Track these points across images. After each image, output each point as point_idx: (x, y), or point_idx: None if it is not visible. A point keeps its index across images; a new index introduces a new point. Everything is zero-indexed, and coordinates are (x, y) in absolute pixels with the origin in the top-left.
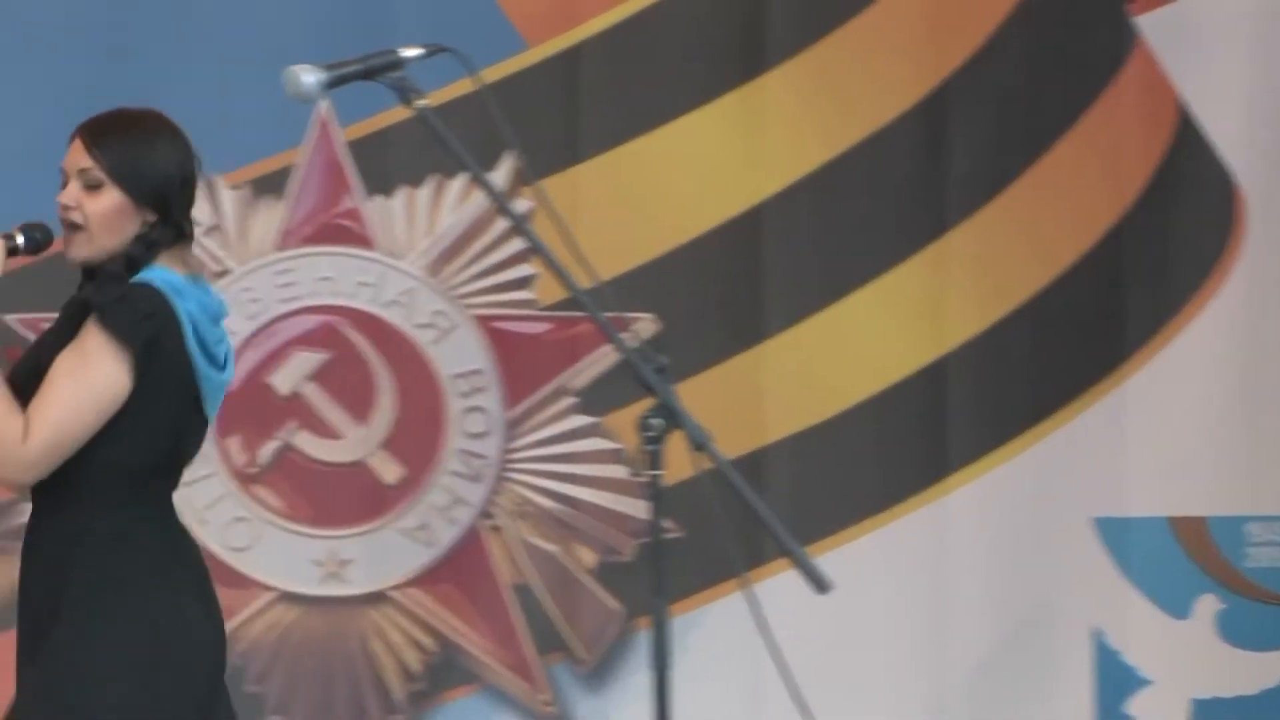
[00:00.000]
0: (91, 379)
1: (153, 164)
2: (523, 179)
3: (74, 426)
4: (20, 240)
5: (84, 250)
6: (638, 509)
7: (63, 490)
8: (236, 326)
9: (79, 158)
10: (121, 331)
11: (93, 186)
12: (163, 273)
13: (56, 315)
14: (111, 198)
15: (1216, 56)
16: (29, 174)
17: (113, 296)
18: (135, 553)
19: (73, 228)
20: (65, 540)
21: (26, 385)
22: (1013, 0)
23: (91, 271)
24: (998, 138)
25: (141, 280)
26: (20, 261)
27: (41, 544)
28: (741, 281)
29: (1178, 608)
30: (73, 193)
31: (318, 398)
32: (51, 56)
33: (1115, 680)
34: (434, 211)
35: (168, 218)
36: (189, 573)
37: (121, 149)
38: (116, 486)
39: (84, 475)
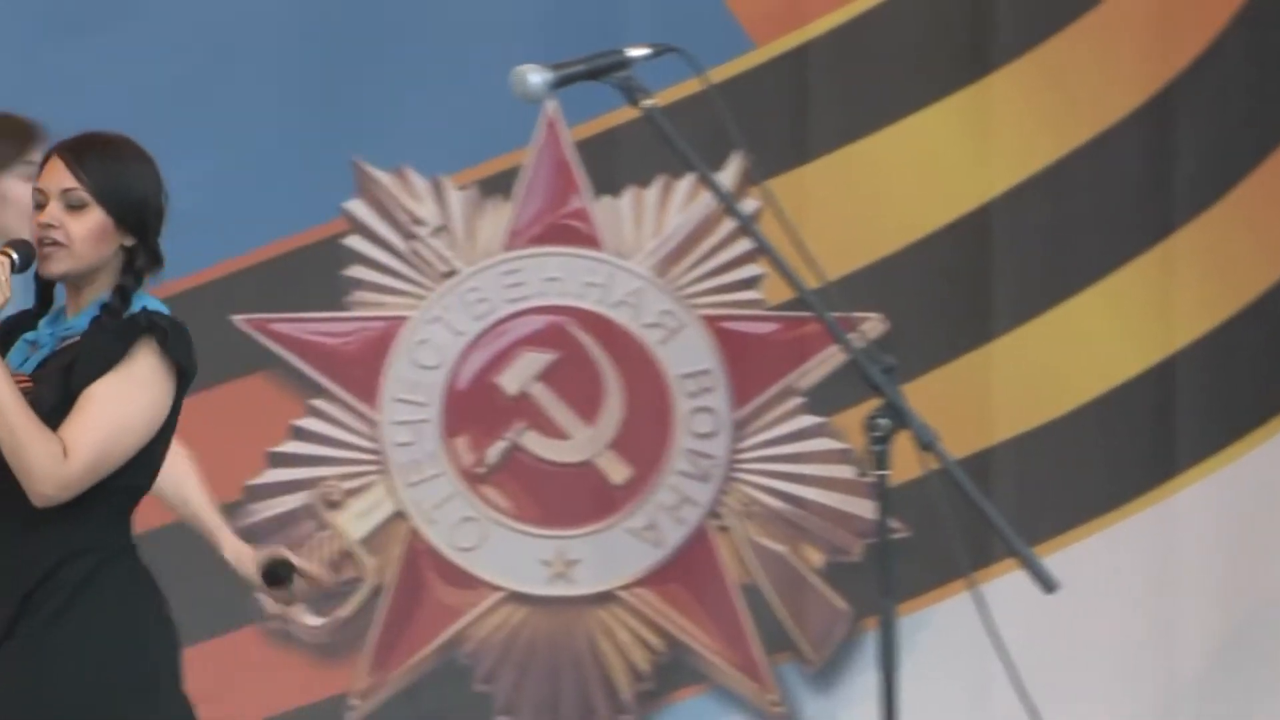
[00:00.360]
0: (143, 403)
1: (134, 187)
2: (750, 179)
3: (118, 449)
4: (15, 258)
5: (64, 264)
6: (865, 509)
7: (68, 505)
8: (464, 327)
9: (61, 177)
10: (179, 359)
11: (76, 207)
12: (156, 302)
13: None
14: (95, 218)
15: None
16: (266, 167)
17: (161, 324)
18: (131, 571)
19: (54, 245)
20: (62, 554)
21: (57, 409)
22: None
23: (47, 293)
24: (1225, 136)
25: (155, 309)
26: (245, 262)
27: (27, 555)
28: (969, 281)
29: None
30: (54, 212)
31: (545, 398)
32: (276, 57)
33: None
34: (661, 211)
35: (145, 242)
36: (157, 591)
37: (105, 170)
38: (120, 506)
39: (95, 493)
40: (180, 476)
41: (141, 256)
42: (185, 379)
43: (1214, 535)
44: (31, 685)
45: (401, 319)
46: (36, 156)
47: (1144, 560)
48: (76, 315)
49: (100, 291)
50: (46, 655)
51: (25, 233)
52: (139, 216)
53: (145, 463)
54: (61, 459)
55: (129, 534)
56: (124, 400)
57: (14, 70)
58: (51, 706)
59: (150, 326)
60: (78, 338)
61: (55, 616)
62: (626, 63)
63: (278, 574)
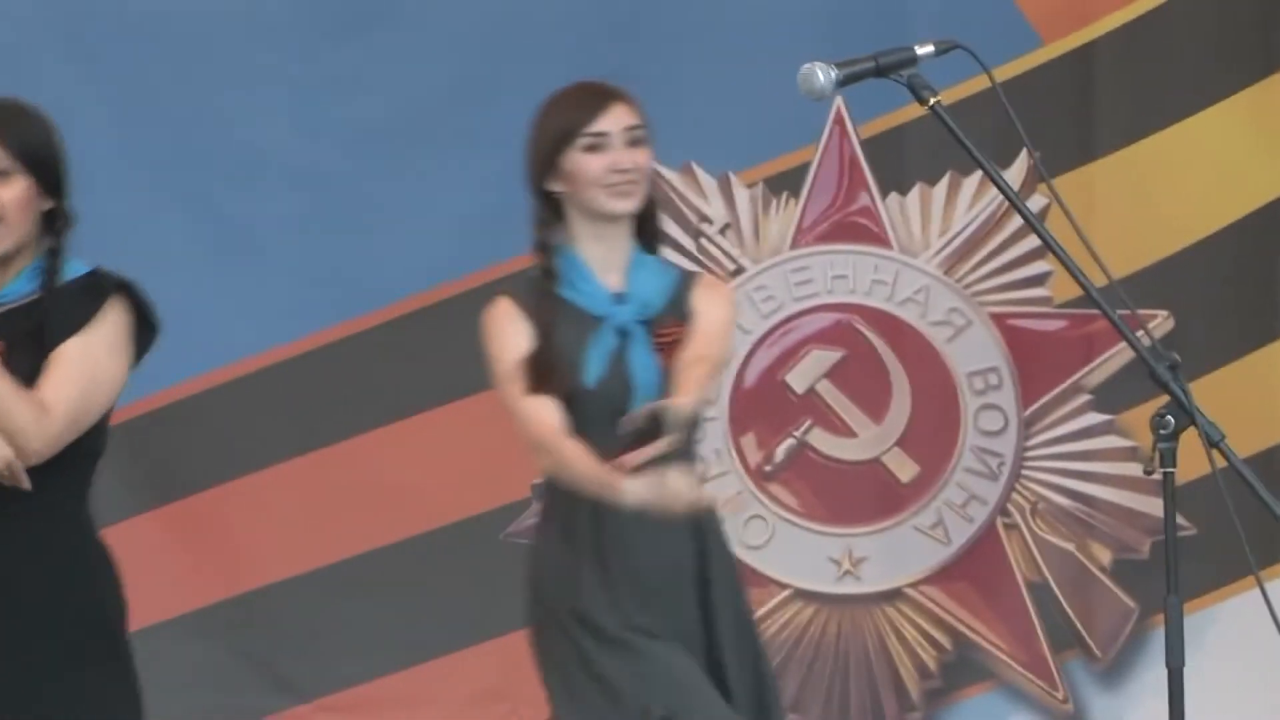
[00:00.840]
0: (113, 360)
1: (51, 150)
2: (1036, 176)
3: (94, 404)
4: None
5: (5, 242)
6: (1153, 506)
7: (41, 472)
8: (751, 324)
9: None
10: (147, 318)
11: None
12: (79, 264)
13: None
14: (20, 184)
15: None
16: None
17: (126, 282)
18: (97, 537)
19: None
20: (42, 522)
21: (38, 370)
22: None
23: None
24: None
25: (88, 270)
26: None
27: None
28: (1257, 279)
29: None
30: None
31: (833, 396)
32: (562, 55)
33: None
34: (948, 209)
35: (60, 205)
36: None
37: (24, 136)
38: (86, 470)
39: (64, 458)
40: None
41: (61, 218)
42: (152, 336)
43: None
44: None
45: None
46: None
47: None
48: (13, 282)
49: (25, 258)
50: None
51: None
52: (59, 179)
53: (103, 425)
54: (44, 415)
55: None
56: (95, 358)
57: (296, 70)
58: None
59: (120, 285)
60: (20, 303)
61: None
62: (913, 60)
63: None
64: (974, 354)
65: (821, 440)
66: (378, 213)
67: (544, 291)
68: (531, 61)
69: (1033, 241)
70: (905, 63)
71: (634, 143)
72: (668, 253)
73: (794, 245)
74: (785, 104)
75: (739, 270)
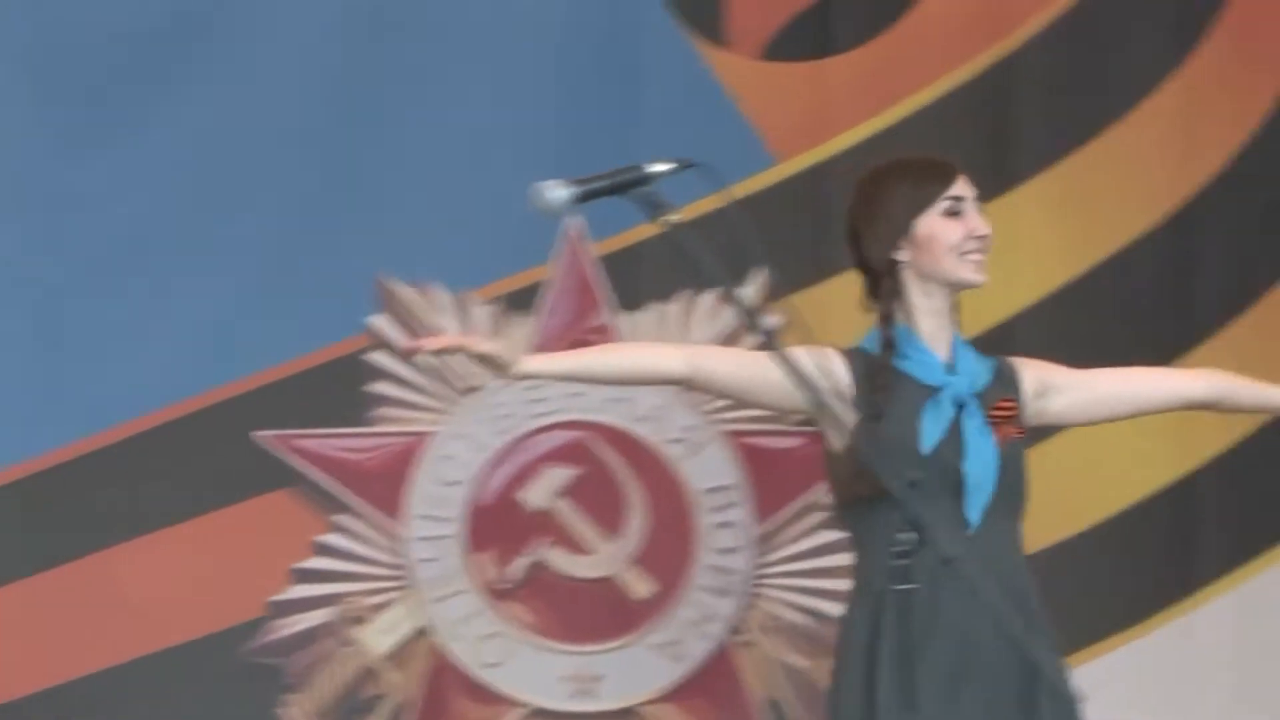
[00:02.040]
0: None
1: None
2: (772, 294)
3: None
4: None
5: None
6: None
7: None
8: (487, 442)
9: None
10: None
11: None
12: None
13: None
14: None
15: None
16: (289, 282)
17: None
18: None
19: None
20: None
21: None
22: (1265, 112)
23: None
24: (1245, 255)
25: None
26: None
27: None
28: None
29: None
30: None
31: (568, 513)
32: (299, 172)
33: None
34: (684, 327)
35: None
36: None
37: None
38: None
39: None
40: None
41: None
42: None
43: (1238, 649)
44: None
45: (425, 435)
46: None
47: (1166, 675)
48: None
49: None
50: None
51: None
52: None
53: None
54: None
55: None
56: None
57: (30, 191)
58: None
59: None
60: None
61: None
62: (648, 178)
63: None
64: (710, 471)
65: (557, 558)
66: (109, 330)
67: (881, 363)
68: (267, 178)
69: None
70: (641, 181)
71: (977, 211)
72: (405, 371)
73: None
74: (522, 221)
75: (475, 388)
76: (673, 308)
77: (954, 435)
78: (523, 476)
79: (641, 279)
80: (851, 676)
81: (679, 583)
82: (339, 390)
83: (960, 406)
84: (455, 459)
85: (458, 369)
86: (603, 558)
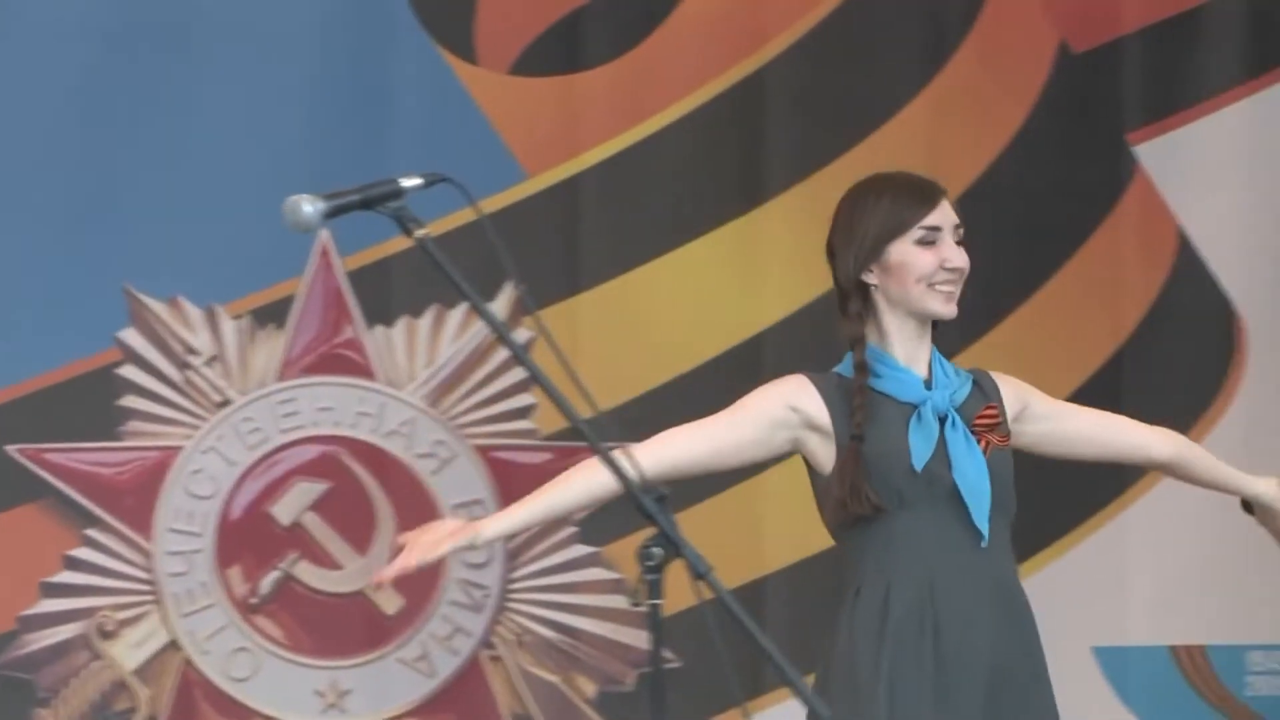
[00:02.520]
0: None
1: None
2: (522, 309)
3: None
4: None
5: None
6: (638, 639)
7: None
8: (237, 456)
9: None
10: None
11: None
12: None
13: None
14: None
15: (1215, 185)
16: (38, 295)
17: None
18: None
19: None
20: None
21: None
22: (1012, 130)
23: None
24: (993, 270)
25: None
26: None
27: None
28: None
29: None
30: None
31: (318, 528)
32: (46, 184)
33: None
34: (434, 341)
35: None
36: None
37: None
38: None
39: None
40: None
41: None
42: None
43: None
44: None
45: (175, 449)
46: None
47: None
48: None
49: None
50: None
51: None
52: None
53: None
54: None
55: None
56: None
57: None
58: None
59: None
60: None
61: None
62: (399, 192)
63: None
64: (459, 486)
65: (307, 572)
66: None
67: (860, 388)
68: (14, 190)
69: (518, 374)
70: (392, 195)
71: (959, 241)
72: (155, 385)
73: (280, 377)
74: (271, 236)
75: (226, 402)
76: (423, 322)
77: (940, 449)
78: (273, 491)
79: (392, 293)
80: (855, 676)
81: (428, 597)
82: (90, 404)
83: (943, 420)
84: (205, 473)
85: (205, 382)
86: (352, 573)
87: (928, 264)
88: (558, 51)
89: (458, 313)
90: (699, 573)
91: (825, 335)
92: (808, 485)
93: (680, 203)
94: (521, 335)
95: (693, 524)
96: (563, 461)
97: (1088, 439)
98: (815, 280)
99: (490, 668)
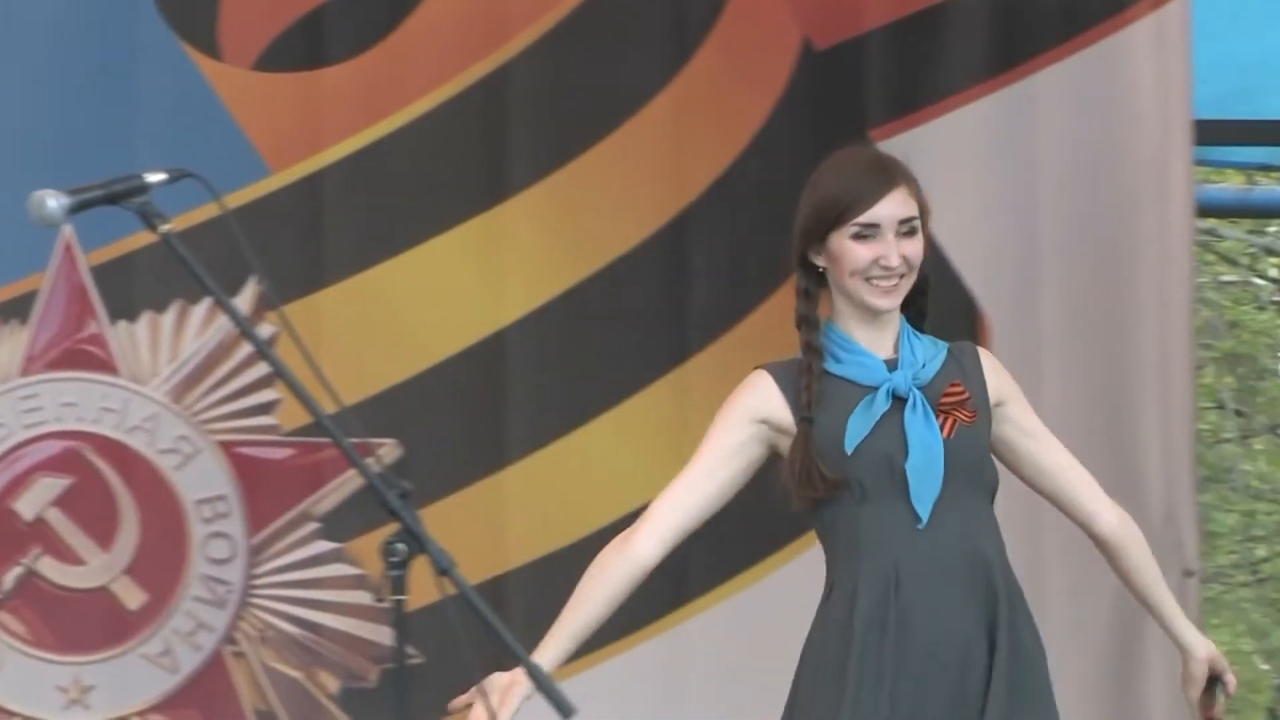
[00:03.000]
0: None
1: None
2: (266, 304)
3: None
4: None
5: None
6: (381, 634)
7: None
8: None
9: None
10: None
11: None
12: None
13: None
14: None
15: (958, 182)
16: None
17: None
18: None
19: None
20: None
21: None
22: (756, 126)
23: None
24: (737, 269)
25: None
26: None
27: None
28: (484, 407)
29: None
30: None
31: (61, 524)
32: None
33: None
34: (178, 337)
35: None
36: None
37: None
38: None
39: None
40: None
41: None
42: None
43: (726, 660)
44: None
45: None
46: None
47: (657, 684)
48: None
49: None
50: None
51: None
52: None
53: None
54: None
55: None
56: None
57: None
58: None
59: None
60: None
61: None
62: (143, 188)
63: None
64: (203, 481)
65: (50, 568)
66: None
67: (808, 368)
68: None
69: (262, 369)
70: (136, 190)
71: (908, 233)
72: None
73: (23, 372)
74: (15, 230)
75: None
76: (166, 317)
77: (895, 432)
78: (15, 486)
79: (135, 288)
80: (820, 677)
81: (171, 593)
82: None
83: (905, 401)
84: None
85: None
86: (95, 568)
87: (862, 259)
88: (301, 47)
89: (201, 308)
90: (442, 568)
91: (569, 330)
92: (551, 481)
93: (424, 199)
94: (265, 331)
95: (436, 520)
96: (305, 457)
97: (1050, 476)
98: (559, 276)
99: (233, 663)
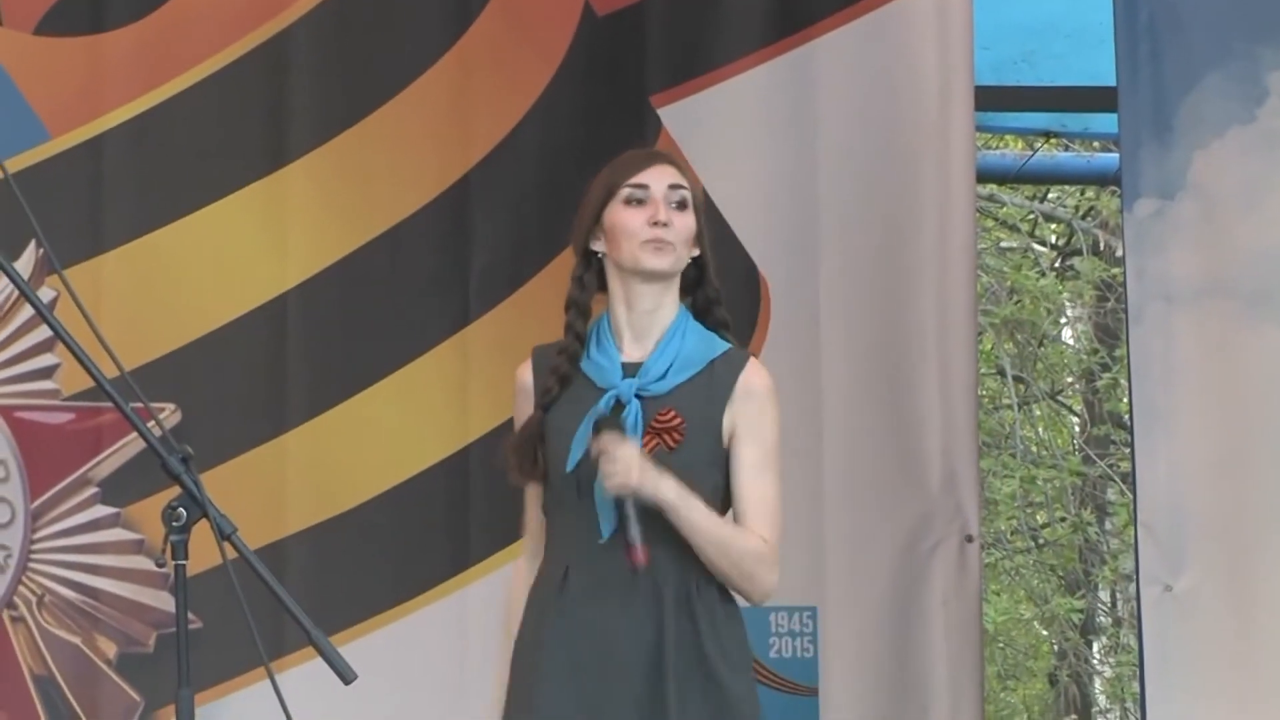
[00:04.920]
0: None
1: None
2: (47, 267)
3: None
4: None
5: None
6: (158, 599)
7: None
8: None
9: None
10: None
11: None
12: None
13: None
14: None
15: (737, 148)
16: None
17: None
18: None
19: None
20: None
21: None
22: (537, 91)
23: None
24: (518, 231)
25: None
26: None
27: None
28: (265, 372)
29: None
30: None
31: None
32: None
33: None
34: None
35: None
36: None
37: None
38: None
39: None
40: None
41: None
42: None
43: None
44: None
45: None
46: None
47: (439, 650)
48: None
49: None
50: None
51: None
52: None
53: None
54: None
55: None
56: None
57: None
58: None
59: None
60: None
61: None
62: None
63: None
64: None
65: None
66: None
67: (559, 364)
68: None
69: (42, 333)
70: None
71: (679, 204)
72: None
73: None
74: None
75: None
76: None
77: None
78: None
79: None
80: (519, 650)
81: None
82: None
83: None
84: None
85: None
86: None
87: (635, 221)
88: (82, 12)
89: None
90: (224, 533)
91: (351, 295)
92: (332, 446)
93: (205, 163)
94: (46, 294)
95: (217, 485)
96: (85, 422)
97: (738, 502)
98: (341, 240)
99: (12, 628)
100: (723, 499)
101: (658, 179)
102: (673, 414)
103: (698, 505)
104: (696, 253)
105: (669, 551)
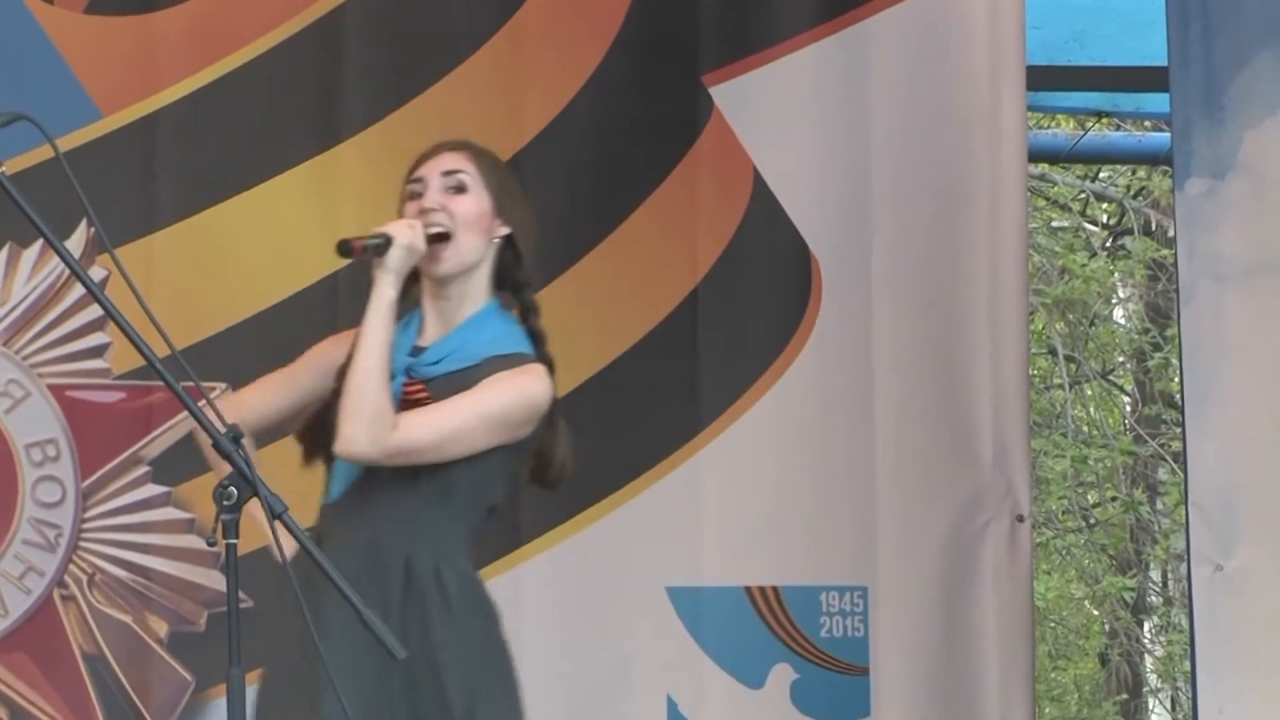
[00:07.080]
0: None
1: None
2: (98, 247)
3: None
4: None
5: None
6: (209, 579)
7: None
8: None
9: None
10: None
11: None
12: None
13: None
14: None
15: (789, 127)
16: None
17: None
18: None
19: None
20: None
21: None
22: (590, 69)
23: None
24: (571, 209)
25: None
26: None
27: None
28: None
29: (752, 677)
30: None
31: None
32: None
33: None
34: (8, 280)
35: None
36: None
37: None
38: None
39: None
40: None
41: None
42: None
43: (559, 606)
44: None
45: None
46: None
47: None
48: None
49: None
50: None
51: None
52: None
53: None
54: None
55: None
56: None
57: None
58: None
59: None
60: None
61: None
62: None
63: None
64: (32, 425)
65: None
66: None
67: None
68: None
69: (94, 312)
70: None
71: (455, 189)
72: None
73: None
74: None
75: None
76: None
77: None
78: None
79: None
80: None
81: (1, 537)
82: None
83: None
84: None
85: None
86: None
87: (410, 214)
88: None
89: (33, 251)
90: (275, 512)
91: None
92: None
93: (257, 142)
94: (97, 274)
95: (268, 463)
96: (136, 400)
97: None
98: (392, 218)
99: (63, 607)
100: (469, 492)
101: (433, 168)
102: (419, 387)
103: (382, 335)
104: (505, 231)
105: (400, 519)
